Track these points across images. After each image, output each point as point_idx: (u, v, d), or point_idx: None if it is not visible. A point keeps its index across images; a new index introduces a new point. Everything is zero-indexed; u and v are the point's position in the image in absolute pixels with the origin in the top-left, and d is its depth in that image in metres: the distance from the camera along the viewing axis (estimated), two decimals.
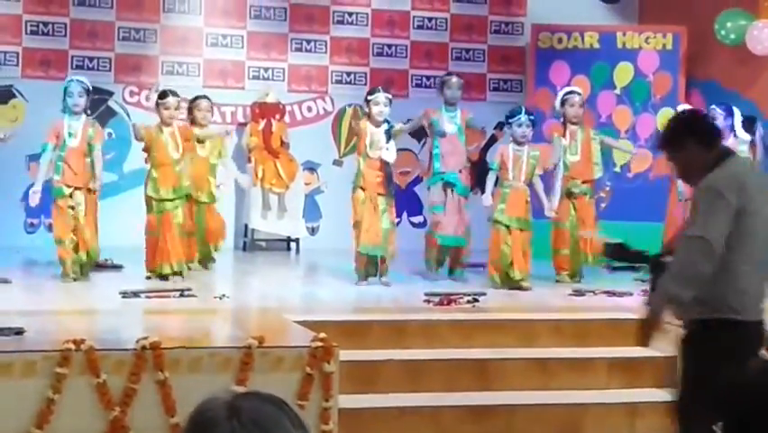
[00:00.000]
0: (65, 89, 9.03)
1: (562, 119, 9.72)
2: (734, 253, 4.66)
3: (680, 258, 4.78)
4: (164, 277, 8.81)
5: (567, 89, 9.99)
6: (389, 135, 9.02)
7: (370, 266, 9.06)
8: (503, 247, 8.82)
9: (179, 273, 8.84)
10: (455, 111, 9.62)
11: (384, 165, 9.02)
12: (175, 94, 9.43)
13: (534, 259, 9.09)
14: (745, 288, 4.72)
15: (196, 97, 10.33)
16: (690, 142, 4.89)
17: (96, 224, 9.06)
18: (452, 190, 9.40)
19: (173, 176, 9.01)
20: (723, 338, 4.68)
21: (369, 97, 9.21)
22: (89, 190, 8.92)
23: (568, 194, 9.44)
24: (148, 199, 9.03)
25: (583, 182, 9.54)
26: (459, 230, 9.33)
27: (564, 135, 9.58)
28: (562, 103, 9.66)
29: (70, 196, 8.77)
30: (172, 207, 8.96)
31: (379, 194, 9.00)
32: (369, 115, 9.16)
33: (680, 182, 10.30)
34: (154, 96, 9.42)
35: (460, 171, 9.47)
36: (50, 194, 8.89)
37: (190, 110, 10.37)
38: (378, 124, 9.05)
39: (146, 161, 9.24)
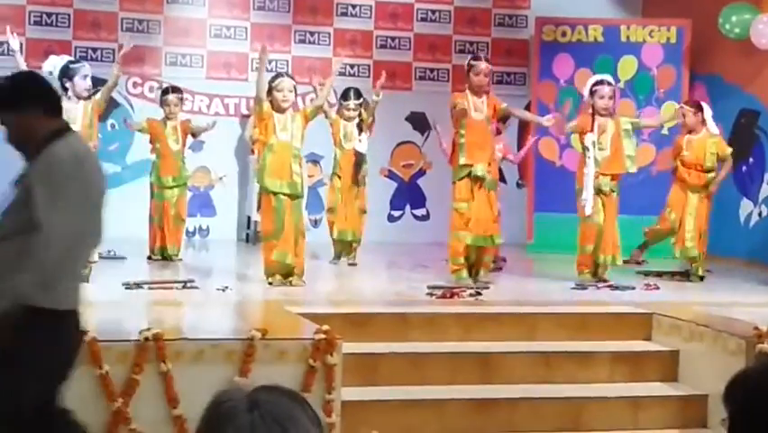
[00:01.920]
0: (64, 71, 8.47)
1: (590, 110, 8.99)
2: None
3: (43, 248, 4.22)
4: (166, 258, 9.63)
5: (597, 78, 9.17)
6: (361, 129, 9.94)
7: (343, 248, 10.03)
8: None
9: (172, 258, 9.67)
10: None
11: (357, 156, 9.86)
12: (176, 90, 10.10)
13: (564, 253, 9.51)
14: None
15: (165, 91, 10.22)
16: (35, 105, 4.40)
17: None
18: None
19: (174, 165, 9.82)
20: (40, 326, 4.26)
21: (341, 102, 10.19)
22: None
23: (597, 191, 8.83)
24: (152, 186, 9.92)
25: (612, 178, 8.94)
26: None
27: (592, 129, 8.89)
28: (591, 93, 8.96)
29: None
30: (170, 196, 9.76)
31: (352, 183, 9.86)
32: (339, 112, 10.08)
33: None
34: (158, 93, 10.21)
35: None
36: None
37: (162, 103, 10.43)
38: (348, 119, 10.00)
39: (151, 152, 9.95)
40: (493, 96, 9.08)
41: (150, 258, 9.78)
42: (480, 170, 8.60)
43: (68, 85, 8.44)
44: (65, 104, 8.02)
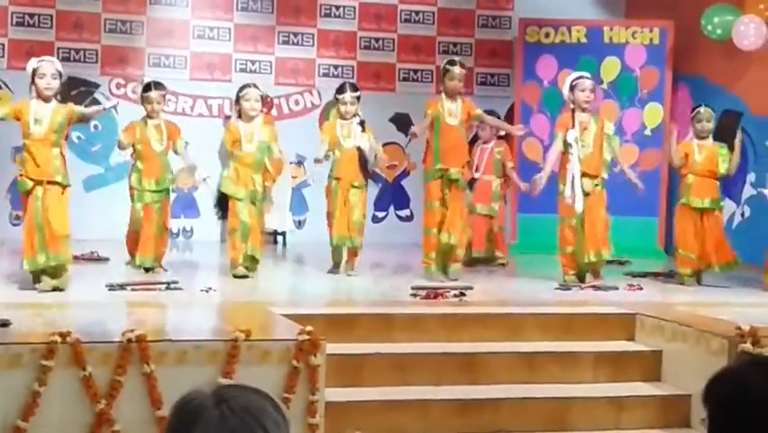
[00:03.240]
0: (34, 70, 7.72)
1: (571, 106, 8.87)
2: None
3: None
4: (147, 270, 8.86)
5: (576, 74, 9.10)
6: (363, 126, 9.19)
7: (339, 256, 9.33)
8: None
9: (151, 269, 8.87)
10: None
11: (360, 151, 9.14)
12: (159, 86, 9.27)
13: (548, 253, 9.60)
14: None
15: (146, 88, 9.81)
16: None
17: (62, 223, 7.62)
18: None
19: (157, 168, 9.03)
20: None
21: (338, 96, 9.39)
22: (56, 184, 7.60)
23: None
24: (131, 191, 9.13)
25: (594, 176, 8.80)
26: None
27: (573, 125, 8.75)
28: (572, 88, 8.83)
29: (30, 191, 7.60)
30: (152, 201, 8.99)
31: (352, 186, 9.14)
32: (338, 111, 9.35)
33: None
34: (139, 89, 9.25)
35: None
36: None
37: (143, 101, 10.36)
38: (346, 114, 9.26)
39: (131, 156, 9.27)
40: (468, 100, 9.24)
41: (128, 264, 9.29)
42: (454, 173, 8.81)
43: (33, 86, 7.75)
44: (33, 105, 7.60)
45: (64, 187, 7.64)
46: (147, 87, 9.20)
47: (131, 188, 9.15)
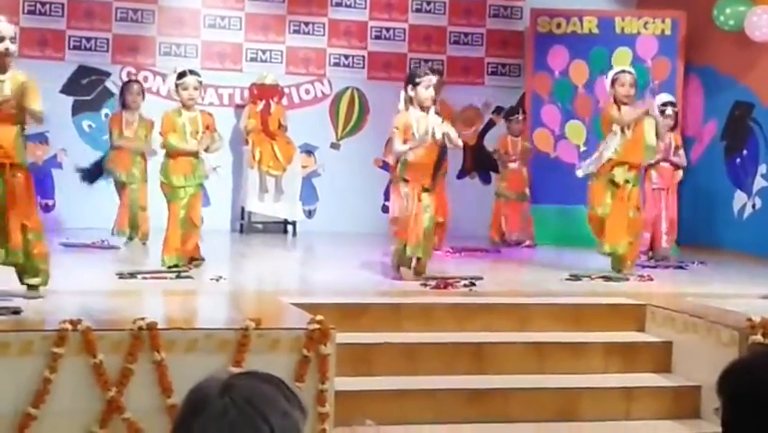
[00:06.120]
0: None
1: (612, 100, 8.80)
2: None
3: None
4: (172, 266, 8.23)
5: (618, 69, 9.08)
6: (440, 115, 8.27)
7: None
8: None
9: (176, 266, 8.24)
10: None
11: (440, 148, 8.10)
12: (194, 73, 8.75)
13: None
14: None
15: (182, 75, 9.68)
16: None
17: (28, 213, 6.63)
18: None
19: (187, 163, 8.44)
20: None
21: (417, 80, 8.07)
22: (18, 167, 6.52)
23: (610, 181, 8.66)
24: (161, 186, 8.54)
25: (630, 168, 8.68)
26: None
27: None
28: (612, 83, 8.81)
29: None
30: (179, 198, 8.38)
31: (424, 188, 8.09)
32: (411, 101, 8.06)
33: (653, 172, 10.33)
34: (173, 78, 8.62)
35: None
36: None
37: (122, 93, 10.43)
38: (423, 103, 8.02)
39: (162, 146, 8.72)
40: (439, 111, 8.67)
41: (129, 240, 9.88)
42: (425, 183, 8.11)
43: None
44: None
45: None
46: (182, 74, 8.56)
47: (161, 183, 8.54)
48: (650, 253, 10.26)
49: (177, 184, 8.40)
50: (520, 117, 11.70)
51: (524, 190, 11.66)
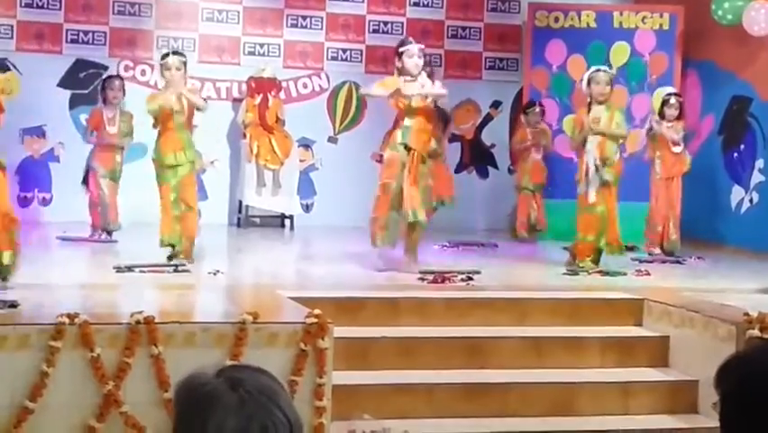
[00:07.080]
0: None
1: (588, 99, 8.87)
2: None
3: None
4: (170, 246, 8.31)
5: (594, 67, 9.09)
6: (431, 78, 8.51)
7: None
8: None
9: (172, 246, 8.31)
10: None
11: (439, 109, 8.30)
12: (178, 53, 8.73)
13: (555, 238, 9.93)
14: None
15: (110, 77, 9.71)
16: None
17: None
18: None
19: (176, 140, 8.35)
20: None
21: (401, 49, 8.39)
22: None
23: (603, 181, 8.69)
24: (153, 162, 8.49)
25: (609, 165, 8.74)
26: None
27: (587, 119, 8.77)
28: (588, 82, 8.82)
29: None
30: (167, 179, 8.34)
31: (421, 156, 8.24)
32: (400, 70, 8.33)
33: (657, 162, 10.32)
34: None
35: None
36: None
37: (102, 88, 10.38)
38: (411, 71, 8.26)
39: (153, 126, 8.53)
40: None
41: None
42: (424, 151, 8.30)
43: None
44: None
45: None
46: (165, 55, 8.62)
47: (153, 161, 8.52)
48: (663, 244, 10.21)
49: (167, 163, 8.29)
50: (537, 110, 11.63)
51: (544, 181, 11.59)
